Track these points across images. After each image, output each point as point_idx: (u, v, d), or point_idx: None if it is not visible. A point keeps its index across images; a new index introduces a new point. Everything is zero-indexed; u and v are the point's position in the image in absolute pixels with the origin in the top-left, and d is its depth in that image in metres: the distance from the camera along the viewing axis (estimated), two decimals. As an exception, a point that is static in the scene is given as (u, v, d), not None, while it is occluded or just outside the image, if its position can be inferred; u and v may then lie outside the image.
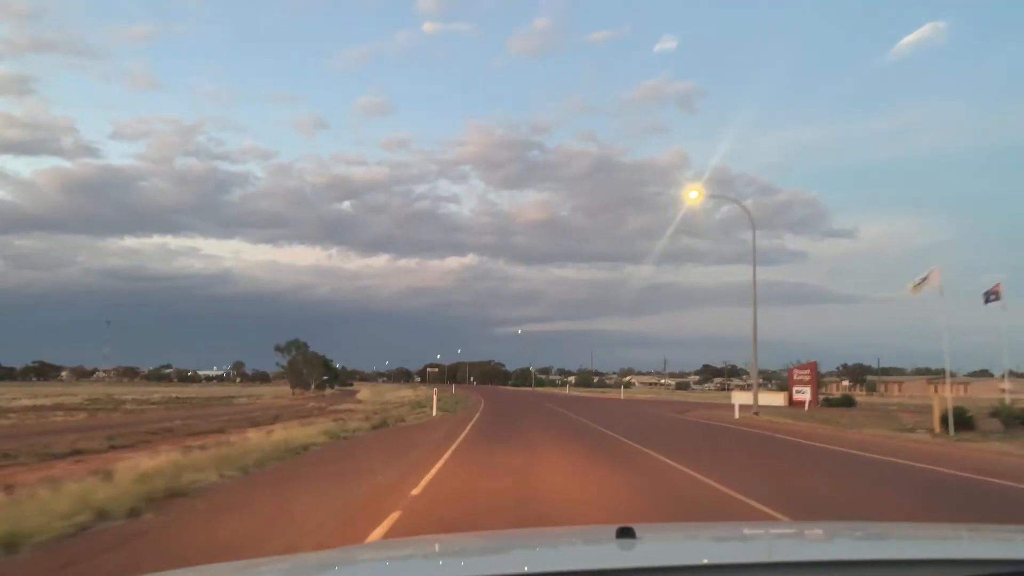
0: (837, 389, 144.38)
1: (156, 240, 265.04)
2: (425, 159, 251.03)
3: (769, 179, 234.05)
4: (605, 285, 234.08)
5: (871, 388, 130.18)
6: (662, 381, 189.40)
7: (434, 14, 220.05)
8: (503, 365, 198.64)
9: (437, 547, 2.73)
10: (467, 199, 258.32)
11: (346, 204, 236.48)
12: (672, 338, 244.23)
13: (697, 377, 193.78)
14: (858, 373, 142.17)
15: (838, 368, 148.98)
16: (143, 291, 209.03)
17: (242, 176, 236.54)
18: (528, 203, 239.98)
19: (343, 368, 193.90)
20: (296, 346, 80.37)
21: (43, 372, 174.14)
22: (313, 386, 61.02)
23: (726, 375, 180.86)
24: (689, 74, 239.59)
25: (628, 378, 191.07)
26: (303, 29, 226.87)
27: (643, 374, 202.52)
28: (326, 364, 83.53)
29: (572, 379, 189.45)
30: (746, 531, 3.28)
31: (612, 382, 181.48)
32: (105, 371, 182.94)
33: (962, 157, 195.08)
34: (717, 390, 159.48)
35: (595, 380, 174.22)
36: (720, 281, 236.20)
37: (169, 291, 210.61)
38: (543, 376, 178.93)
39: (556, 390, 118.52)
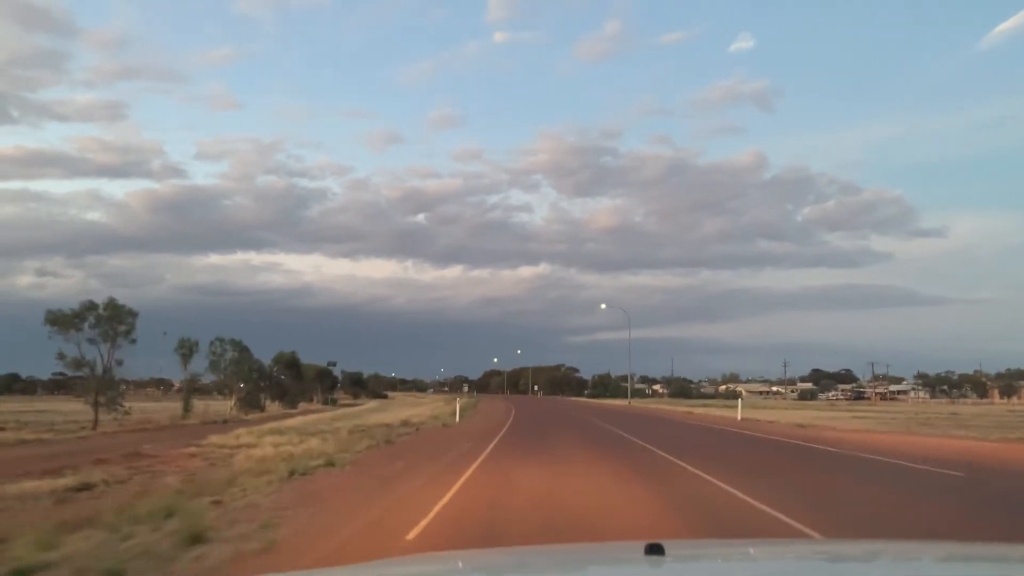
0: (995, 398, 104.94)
1: (239, 256, 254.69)
2: (496, 169, 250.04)
3: (851, 177, 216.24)
4: (680, 291, 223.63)
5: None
6: (774, 389, 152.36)
7: (504, 23, 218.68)
8: (576, 371, 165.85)
9: (461, 564, 2.67)
10: (539, 208, 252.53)
11: (420, 216, 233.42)
12: (755, 344, 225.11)
13: (813, 386, 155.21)
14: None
15: (998, 373, 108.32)
16: (222, 306, 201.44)
17: (320, 192, 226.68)
18: (600, 210, 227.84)
19: (376, 375, 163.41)
20: (108, 309, 34.26)
21: (10, 385, 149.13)
22: (235, 398, 30.89)
23: (876, 379, 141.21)
24: (765, 72, 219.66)
25: (734, 386, 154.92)
26: (375, 45, 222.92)
27: (748, 382, 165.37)
28: (293, 365, 47.08)
29: (658, 387, 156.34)
30: (779, 548, 3.08)
31: (710, 391, 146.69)
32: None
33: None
34: (849, 399, 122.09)
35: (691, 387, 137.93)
36: (801, 285, 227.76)
37: (247, 305, 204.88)
38: (624, 384, 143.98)
39: (662, 406, 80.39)
